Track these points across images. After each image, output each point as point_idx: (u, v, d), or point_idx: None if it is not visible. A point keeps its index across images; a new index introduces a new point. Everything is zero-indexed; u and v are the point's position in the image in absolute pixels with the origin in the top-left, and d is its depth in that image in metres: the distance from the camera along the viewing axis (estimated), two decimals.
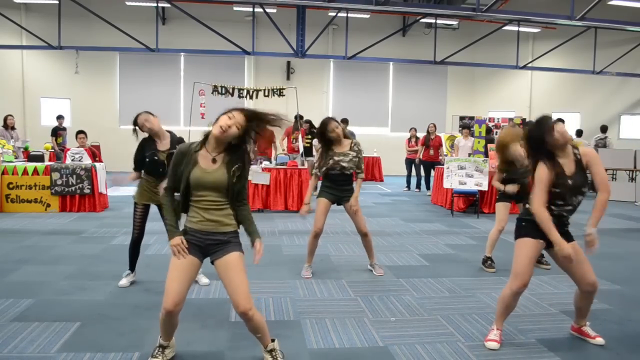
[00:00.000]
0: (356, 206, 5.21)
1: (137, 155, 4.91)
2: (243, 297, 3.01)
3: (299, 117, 11.33)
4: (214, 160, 3.04)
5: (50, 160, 11.11)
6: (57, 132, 13.15)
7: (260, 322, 3.14)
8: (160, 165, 4.80)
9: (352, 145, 5.19)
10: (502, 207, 5.75)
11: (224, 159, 3.06)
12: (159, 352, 3.28)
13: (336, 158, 5.11)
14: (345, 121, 12.87)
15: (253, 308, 3.05)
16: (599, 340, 3.74)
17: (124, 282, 5.02)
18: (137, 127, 4.84)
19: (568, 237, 3.55)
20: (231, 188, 3.05)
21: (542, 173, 3.47)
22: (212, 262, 3.14)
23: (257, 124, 3.05)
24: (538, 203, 3.47)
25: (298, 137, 11.28)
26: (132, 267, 5.15)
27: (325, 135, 5.11)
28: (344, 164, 5.12)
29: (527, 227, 3.59)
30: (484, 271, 5.80)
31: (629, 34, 15.60)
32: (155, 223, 7.99)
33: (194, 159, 3.06)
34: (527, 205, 3.64)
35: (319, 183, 5.54)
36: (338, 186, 5.23)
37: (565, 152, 3.50)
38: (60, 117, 13.64)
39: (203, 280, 5.08)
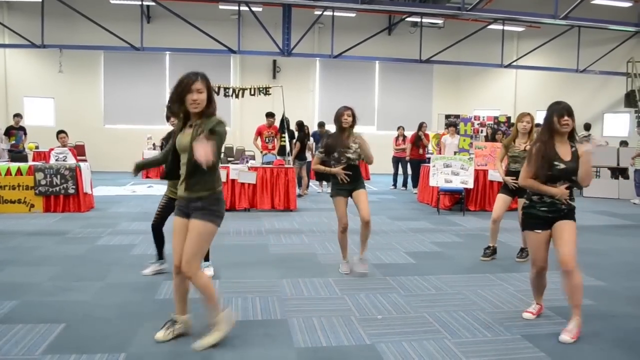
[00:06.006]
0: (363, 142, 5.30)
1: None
2: (184, 259, 3.34)
3: (284, 118, 11.28)
4: (190, 126, 3.32)
5: None
6: (10, 131, 12.48)
7: (202, 287, 3.41)
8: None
9: (354, 138, 5.32)
10: (499, 198, 6.11)
11: (195, 124, 3.30)
12: (170, 326, 3.59)
13: (342, 150, 5.29)
14: (322, 124, 13.09)
15: (191, 271, 3.35)
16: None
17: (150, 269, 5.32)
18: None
19: (568, 217, 3.87)
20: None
21: (536, 147, 3.89)
22: None
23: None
24: (524, 177, 3.92)
25: (272, 135, 11.23)
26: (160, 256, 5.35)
27: (339, 121, 5.32)
28: (349, 155, 5.29)
29: (525, 220, 4.05)
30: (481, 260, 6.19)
31: (612, 32, 15.80)
32: (141, 223, 8.00)
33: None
34: (525, 199, 4.05)
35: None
36: (348, 180, 5.34)
37: (564, 140, 3.89)
38: (17, 116, 12.94)
39: (208, 272, 5.14)
